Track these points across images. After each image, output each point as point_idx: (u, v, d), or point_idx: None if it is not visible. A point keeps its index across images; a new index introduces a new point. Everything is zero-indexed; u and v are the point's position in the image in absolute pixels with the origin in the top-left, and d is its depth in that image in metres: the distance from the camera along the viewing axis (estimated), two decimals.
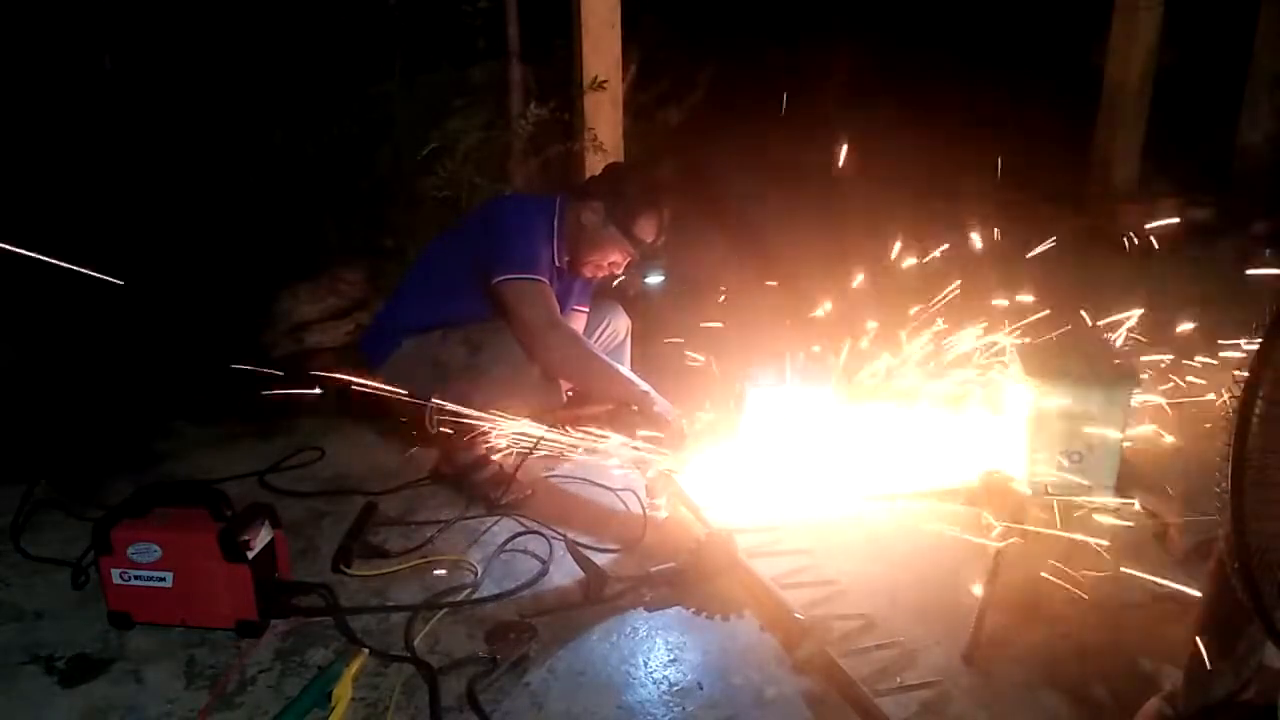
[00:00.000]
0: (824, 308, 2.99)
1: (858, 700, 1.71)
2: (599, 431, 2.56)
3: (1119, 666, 1.86)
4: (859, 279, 3.12)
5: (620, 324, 2.96)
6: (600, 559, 2.18)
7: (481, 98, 3.76)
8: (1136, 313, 2.94)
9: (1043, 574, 2.18)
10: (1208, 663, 1.48)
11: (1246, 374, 1.16)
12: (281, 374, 2.76)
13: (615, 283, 2.86)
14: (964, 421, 2.86)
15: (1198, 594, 1.61)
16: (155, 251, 3.26)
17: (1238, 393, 1.17)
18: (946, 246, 3.23)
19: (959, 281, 3.14)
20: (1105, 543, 2.18)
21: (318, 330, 3.38)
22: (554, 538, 2.33)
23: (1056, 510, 2.40)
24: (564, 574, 2.19)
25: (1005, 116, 5.36)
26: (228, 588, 1.93)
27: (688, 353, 2.99)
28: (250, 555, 1.92)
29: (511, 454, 2.55)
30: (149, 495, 2.02)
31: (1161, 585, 2.04)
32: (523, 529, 2.39)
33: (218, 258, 3.29)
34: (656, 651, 1.93)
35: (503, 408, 2.47)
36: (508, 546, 2.32)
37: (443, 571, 2.20)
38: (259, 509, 2.01)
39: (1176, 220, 4.11)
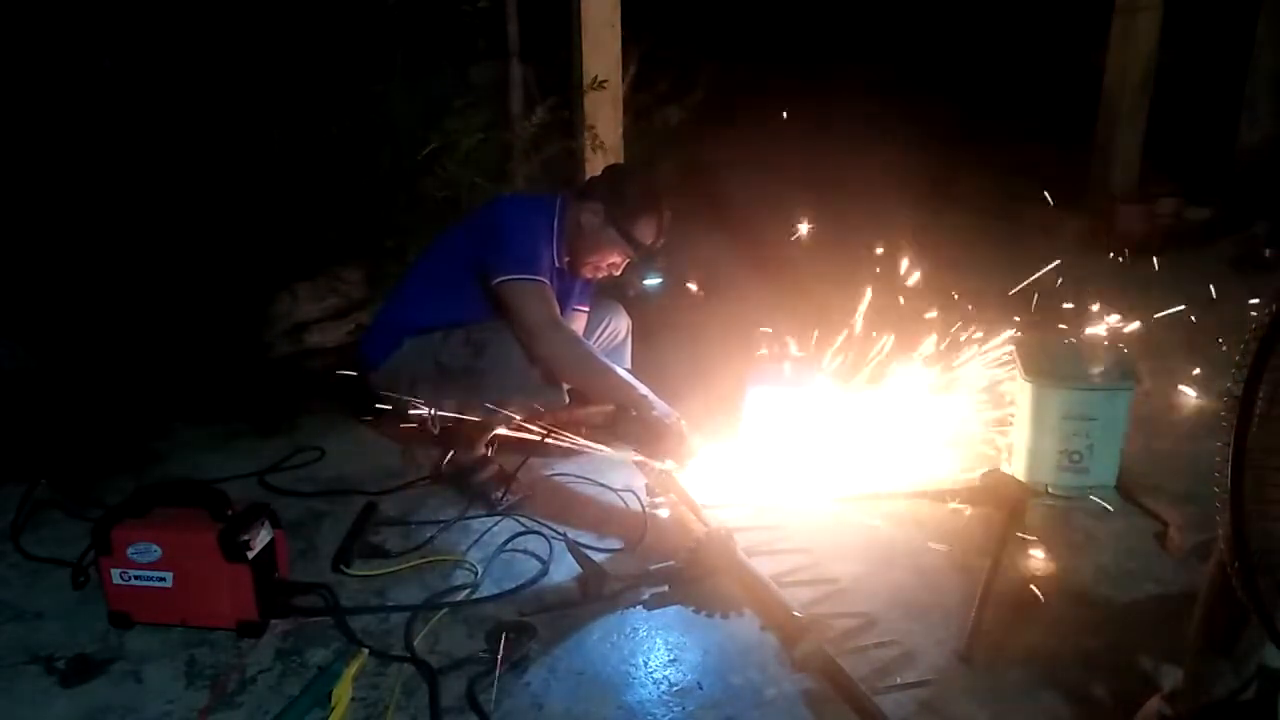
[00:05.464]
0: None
1: (856, 699, 1.71)
2: (598, 447, 2.57)
3: (1119, 666, 1.86)
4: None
5: (620, 324, 2.96)
6: (600, 558, 2.19)
7: (482, 98, 3.75)
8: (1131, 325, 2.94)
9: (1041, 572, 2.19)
10: (1208, 663, 1.48)
11: (1245, 374, 1.16)
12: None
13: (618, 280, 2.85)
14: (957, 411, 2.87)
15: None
16: (155, 251, 3.26)
17: (1237, 393, 1.17)
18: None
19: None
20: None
21: (318, 330, 3.38)
22: (554, 537, 2.33)
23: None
24: (564, 573, 2.19)
25: (1005, 117, 5.37)
26: (228, 588, 1.93)
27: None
28: (250, 555, 1.92)
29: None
30: (149, 495, 2.02)
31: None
32: (523, 529, 2.39)
33: (217, 257, 3.29)
34: (656, 651, 1.93)
35: (504, 408, 2.47)
36: (508, 546, 2.32)
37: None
38: (259, 509, 2.01)
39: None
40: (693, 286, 3.11)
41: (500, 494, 2.51)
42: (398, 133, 3.47)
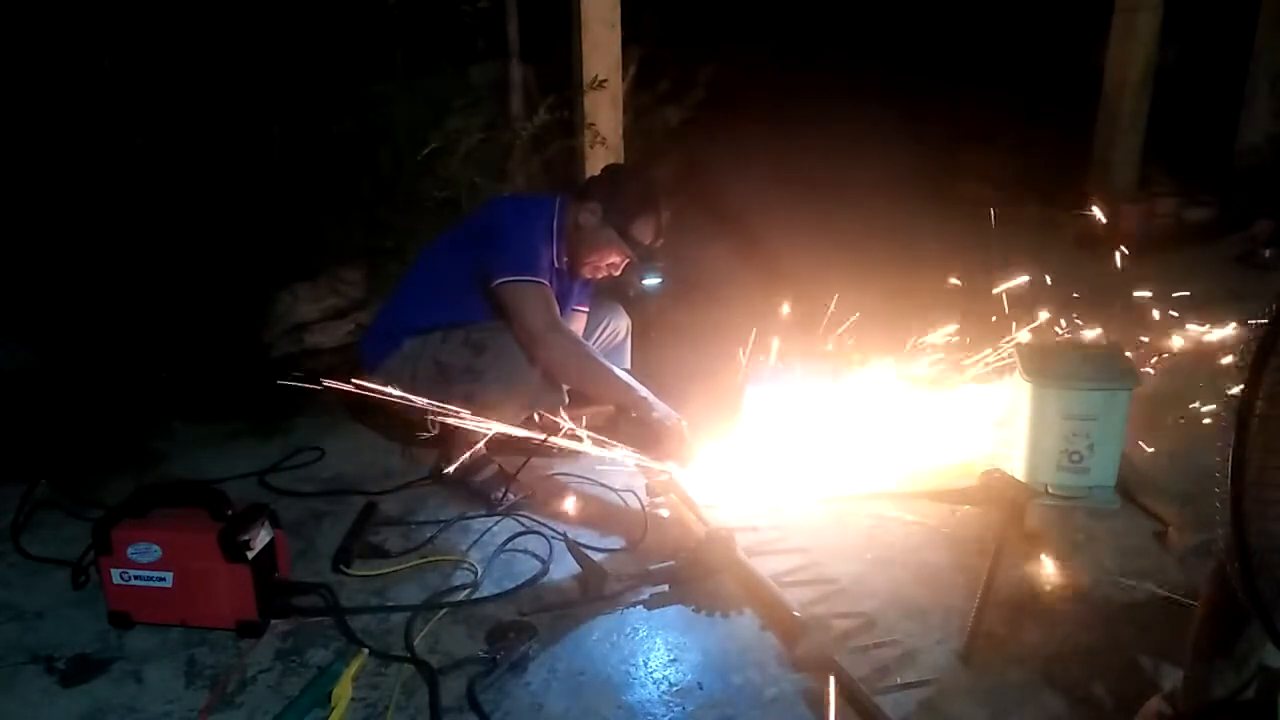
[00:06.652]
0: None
1: (856, 698, 1.71)
2: (600, 449, 2.57)
3: (1119, 666, 1.86)
4: None
5: (620, 324, 2.96)
6: (600, 558, 2.19)
7: (481, 98, 3.75)
8: None
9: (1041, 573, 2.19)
10: (1208, 663, 1.48)
11: (1246, 373, 1.16)
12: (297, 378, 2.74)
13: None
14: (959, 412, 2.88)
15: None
16: (155, 251, 3.27)
17: (1237, 392, 1.17)
18: None
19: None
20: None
21: (318, 330, 3.38)
22: (554, 537, 2.33)
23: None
24: (564, 573, 2.19)
25: (1005, 117, 5.37)
26: (228, 588, 1.93)
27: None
28: (250, 555, 1.92)
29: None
30: (149, 495, 2.02)
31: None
32: (523, 529, 2.39)
33: (217, 257, 3.29)
34: (656, 651, 1.93)
35: (504, 409, 2.47)
36: (508, 546, 2.32)
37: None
38: (259, 509, 2.01)
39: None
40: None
41: (500, 494, 2.51)
42: (398, 133, 3.47)
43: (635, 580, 2.11)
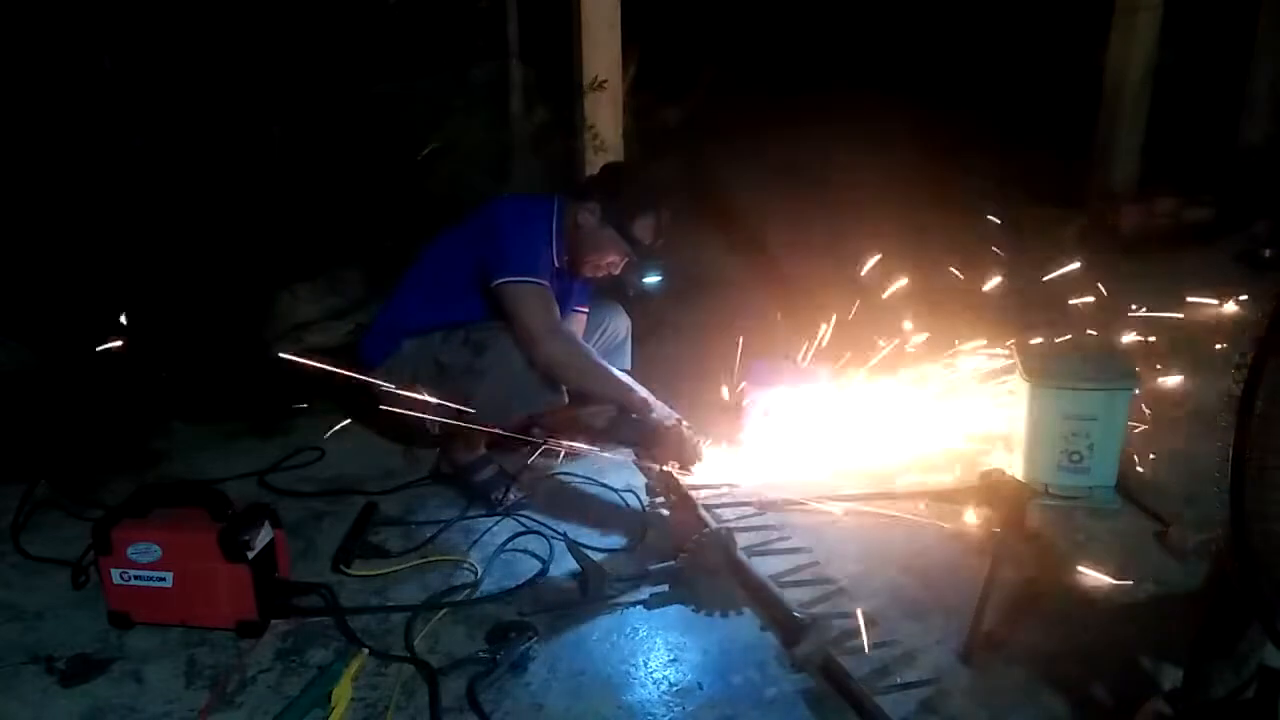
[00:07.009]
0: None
1: (856, 698, 1.71)
2: (602, 451, 2.57)
3: (1119, 666, 1.86)
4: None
5: (620, 324, 2.96)
6: (600, 558, 2.19)
7: (481, 98, 3.75)
8: None
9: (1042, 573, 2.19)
10: (1208, 663, 1.48)
11: (1245, 374, 1.16)
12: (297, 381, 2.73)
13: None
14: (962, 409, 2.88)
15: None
16: (155, 251, 3.26)
17: (1237, 392, 1.17)
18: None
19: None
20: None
21: (318, 330, 3.38)
22: (554, 537, 2.33)
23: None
24: (564, 573, 2.19)
25: (1006, 118, 5.36)
26: (228, 588, 1.93)
27: None
28: (250, 555, 1.92)
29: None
30: (149, 495, 2.02)
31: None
32: (523, 529, 2.39)
33: (218, 257, 3.29)
34: (656, 651, 1.93)
35: (504, 409, 2.47)
36: (508, 546, 2.32)
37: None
38: (259, 509, 2.01)
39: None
40: None
41: (500, 494, 2.51)
42: (398, 133, 3.47)
43: (635, 580, 2.11)
